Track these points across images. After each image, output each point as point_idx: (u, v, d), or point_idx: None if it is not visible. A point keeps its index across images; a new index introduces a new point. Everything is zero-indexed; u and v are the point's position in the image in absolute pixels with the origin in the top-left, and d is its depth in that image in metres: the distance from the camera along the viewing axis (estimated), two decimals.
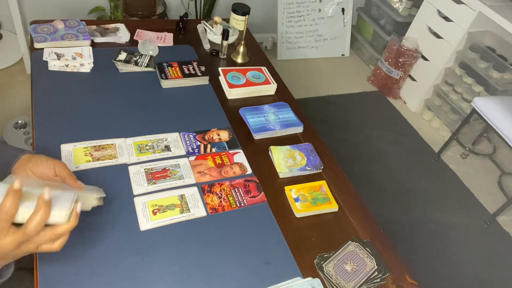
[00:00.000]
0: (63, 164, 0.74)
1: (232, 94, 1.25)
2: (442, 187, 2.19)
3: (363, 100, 2.70)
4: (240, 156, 1.06)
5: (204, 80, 1.28)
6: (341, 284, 0.82)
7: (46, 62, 1.18)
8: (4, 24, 2.33)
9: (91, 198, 0.76)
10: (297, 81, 2.70)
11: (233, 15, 1.53)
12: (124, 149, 0.99)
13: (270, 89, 1.32)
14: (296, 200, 0.97)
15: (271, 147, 1.09)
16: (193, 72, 1.27)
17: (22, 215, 0.59)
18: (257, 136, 1.13)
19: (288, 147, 1.11)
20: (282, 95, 1.32)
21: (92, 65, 1.21)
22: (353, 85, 2.81)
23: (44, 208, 0.59)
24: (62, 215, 0.62)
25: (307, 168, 1.06)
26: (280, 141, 1.15)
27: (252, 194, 0.97)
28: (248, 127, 1.15)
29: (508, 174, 2.36)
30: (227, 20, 1.58)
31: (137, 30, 1.42)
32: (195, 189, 0.94)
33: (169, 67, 1.26)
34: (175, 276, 0.77)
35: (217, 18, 1.49)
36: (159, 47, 1.35)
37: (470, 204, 2.13)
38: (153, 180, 0.93)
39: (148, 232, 0.84)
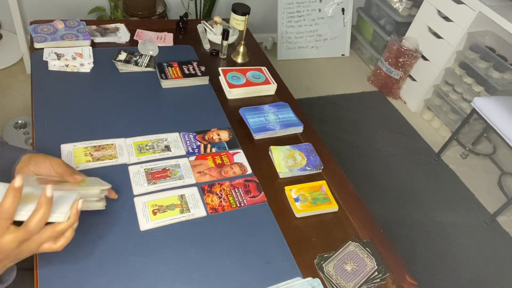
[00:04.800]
0: (59, 161, 0.73)
1: (232, 94, 1.25)
2: (442, 187, 2.19)
3: (363, 100, 2.69)
4: (240, 156, 1.06)
5: (204, 80, 1.28)
6: (341, 284, 0.82)
7: (46, 62, 1.18)
8: (4, 24, 2.33)
9: (94, 197, 0.75)
10: (297, 81, 2.70)
11: (233, 15, 1.53)
12: (124, 149, 0.99)
13: (270, 89, 1.32)
14: (296, 200, 0.97)
15: (271, 147, 1.09)
16: (193, 72, 1.27)
17: (24, 214, 0.60)
18: (257, 136, 1.13)
19: (288, 147, 1.11)
20: (282, 95, 1.32)
21: (92, 65, 1.21)
22: (353, 85, 2.81)
23: (45, 206, 0.59)
24: (62, 215, 0.63)
25: (307, 168, 1.06)
26: (280, 141, 1.15)
27: (252, 194, 0.97)
28: (248, 127, 1.14)
29: (508, 174, 2.36)
30: (227, 20, 1.58)
31: (137, 30, 1.42)
32: (195, 189, 0.94)
33: (169, 67, 1.26)
34: (175, 275, 0.77)
35: (217, 18, 1.49)
36: (159, 47, 1.35)
37: (470, 204, 2.13)
38: (153, 180, 0.93)
39: (148, 232, 0.84)
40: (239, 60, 1.43)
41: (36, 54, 1.20)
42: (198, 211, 0.90)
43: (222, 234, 0.87)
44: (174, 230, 0.85)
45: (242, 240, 0.87)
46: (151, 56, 1.30)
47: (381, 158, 2.28)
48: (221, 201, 0.93)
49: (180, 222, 0.87)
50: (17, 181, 0.57)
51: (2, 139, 0.85)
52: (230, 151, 1.07)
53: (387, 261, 0.90)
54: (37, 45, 1.23)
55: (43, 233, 0.61)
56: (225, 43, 1.38)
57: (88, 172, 0.91)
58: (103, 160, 0.95)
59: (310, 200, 0.98)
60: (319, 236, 0.92)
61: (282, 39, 2.80)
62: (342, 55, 3.05)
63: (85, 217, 0.82)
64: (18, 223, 0.60)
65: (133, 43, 1.37)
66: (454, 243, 1.90)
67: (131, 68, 1.24)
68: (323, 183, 1.04)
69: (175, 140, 1.05)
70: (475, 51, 2.28)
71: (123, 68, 1.24)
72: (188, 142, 1.06)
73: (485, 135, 2.48)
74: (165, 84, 1.22)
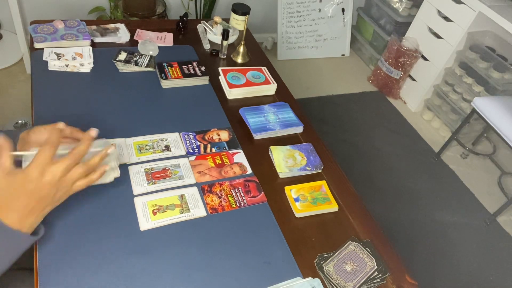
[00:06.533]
0: (61, 123, 0.77)
1: (232, 94, 1.25)
2: (442, 187, 2.19)
3: (363, 100, 2.70)
4: (240, 156, 1.06)
5: (204, 80, 1.28)
6: (341, 284, 0.82)
7: (46, 62, 1.18)
8: (4, 24, 2.33)
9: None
10: (297, 81, 2.70)
11: (233, 15, 1.53)
12: (124, 149, 0.99)
13: (270, 89, 1.32)
14: (296, 200, 0.97)
15: (271, 147, 1.09)
16: (193, 72, 1.27)
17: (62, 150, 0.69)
18: (257, 136, 1.13)
19: (288, 147, 1.11)
20: (282, 95, 1.32)
21: (92, 65, 1.21)
22: (353, 85, 2.81)
23: (87, 141, 0.69)
24: (99, 147, 0.74)
25: (307, 168, 1.06)
26: (280, 141, 1.15)
27: (252, 194, 0.97)
28: (248, 127, 1.15)
29: (508, 174, 2.36)
30: (227, 20, 1.58)
31: (137, 30, 1.42)
32: (195, 189, 0.94)
33: (169, 67, 1.26)
34: (175, 276, 0.77)
35: (217, 18, 1.49)
36: (159, 47, 1.35)
37: (470, 204, 2.13)
38: (153, 180, 0.93)
39: (148, 232, 0.84)
40: (239, 60, 1.43)
41: (36, 54, 1.20)
42: (198, 211, 0.90)
43: (222, 234, 0.87)
44: (174, 230, 0.85)
45: (242, 240, 0.87)
46: (151, 56, 1.30)
47: (381, 158, 2.28)
48: (221, 201, 0.93)
49: (180, 222, 0.87)
50: (60, 125, 0.72)
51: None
52: (230, 151, 1.07)
53: (387, 261, 0.90)
54: (37, 45, 1.22)
55: (79, 167, 0.68)
56: (225, 43, 1.38)
57: None
58: None
59: (310, 200, 0.98)
60: (319, 236, 0.92)
61: (282, 39, 2.80)
62: (342, 55, 3.05)
63: (85, 217, 0.82)
64: None
65: (133, 43, 1.37)
66: (454, 243, 1.90)
67: (131, 68, 1.24)
68: (323, 183, 1.04)
69: (175, 140, 1.05)
70: (475, 51, 2.28)
71: (123, 68, 1.24)
72: (188, 142, 1.06)
73: (485, 135, 2.48)
74: (165, 84, 1.22)
